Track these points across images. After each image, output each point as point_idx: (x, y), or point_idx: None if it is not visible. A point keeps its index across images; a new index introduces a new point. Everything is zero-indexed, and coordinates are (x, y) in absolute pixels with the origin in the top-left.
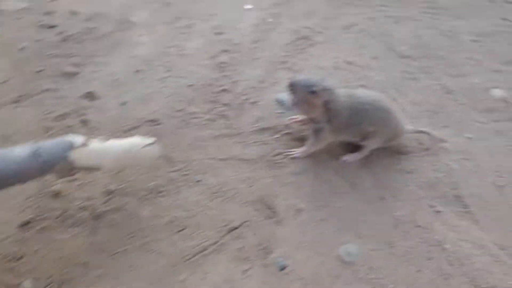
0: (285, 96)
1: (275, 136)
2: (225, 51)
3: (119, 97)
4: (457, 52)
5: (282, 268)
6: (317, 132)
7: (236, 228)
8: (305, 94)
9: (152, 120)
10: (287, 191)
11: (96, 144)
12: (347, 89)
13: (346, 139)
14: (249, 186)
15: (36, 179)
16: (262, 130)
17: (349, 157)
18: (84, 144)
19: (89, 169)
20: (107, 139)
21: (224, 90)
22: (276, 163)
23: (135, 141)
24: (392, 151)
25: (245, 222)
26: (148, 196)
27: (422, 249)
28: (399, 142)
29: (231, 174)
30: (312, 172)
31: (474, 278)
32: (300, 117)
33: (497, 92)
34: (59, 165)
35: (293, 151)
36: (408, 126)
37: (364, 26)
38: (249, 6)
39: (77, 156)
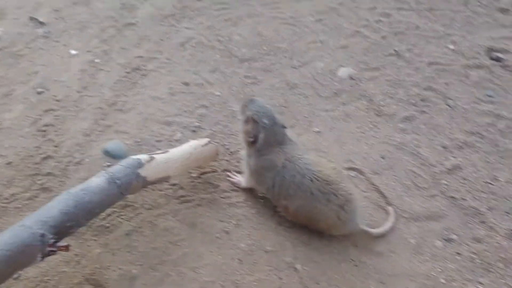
0: (114, 144)
1: None
2: (49, 110)
3: None
4: (300, 39)
5: None
6: (246, 160)
7: None
8: (242, 113)
9: None
10: (119, 258)
11: (160, 156)
12: (300, 147)
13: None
14: (74, 267)
15: (117, 202)
16: None
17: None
18: (151, 159)
19: (160, 180)
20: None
21: (46, 157)
22: (106, 227)
23: (193, 144)
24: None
25: None
26: None
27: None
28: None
29: (54, 256)
30: (148, 226)
31: None
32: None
33: (344, 71)
34: (134, 184)
35: (233, 175)
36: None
37: (200, 38)
38: (73, 52)
39: (148, 172)
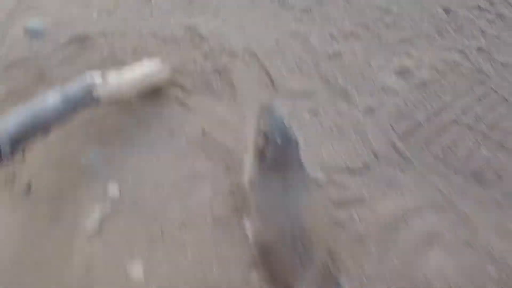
0: (35, 23)
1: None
2: None
3: None
4: None
5: (27, 192)
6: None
7: None
8: (257, 122)
9: None
10: None
11: (114, 77)
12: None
13: None
14: None
15: (70, 120)
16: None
17: None
18: (104, 79)
19: (113, 102)
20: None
21: None
22: (24, 96)
23: (147, 64)
24: None
25: None
26: None
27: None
28: None
29: None
30: None
31: None
32: None
33: None
34: (87, 103)
35: None
36: None
37: None
38: None
39: (101, 93)
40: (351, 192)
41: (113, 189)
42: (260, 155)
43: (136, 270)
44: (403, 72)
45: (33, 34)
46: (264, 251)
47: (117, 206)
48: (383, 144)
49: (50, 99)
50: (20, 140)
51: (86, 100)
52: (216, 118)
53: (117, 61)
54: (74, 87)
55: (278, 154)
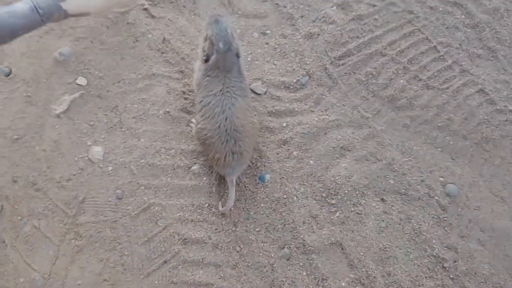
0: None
1: None
2: None
3: None
4: None
5: (7, 75)
6: (197, 66)
7: None
8: (205, 30)
9: None
10: None
11: None
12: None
13: None
14: None
15: (37, 29)
16: None
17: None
18: None
19: (80, 15)
20: None
21: None
22: None
23: None
24: None
25: None
26: None
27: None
28: None
29: None
30: None
31: None
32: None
33: None
34: (56, 15)
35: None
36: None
37: None
38: None
39: (69, 6)
40: (283, 104)
41: (81, 81)
42: (205, 59)
43: (96, 151)
44: (344, 5)
45: None
46: (203, 143)
47: (84, 96)
48: (317, 67)
49: (20, 6)
50: None
51: (53, 11)
52: (177, 28)
53: None
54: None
55: (219, 58)
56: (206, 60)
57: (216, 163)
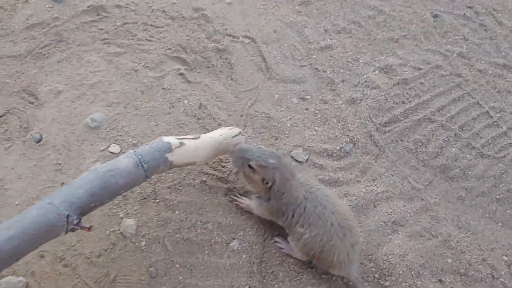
0: None
1: None
2: None
3: None
4: None
5: (38, 141)
6: (258, 201)
7: (1, 116)
8: (242, 166)
9: None
10: (50, 78)
11: (191, 142)
12: (311, 178)
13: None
14: (15, 80)
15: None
16: (33, 25)
17: (280, 242)
18: (181, 144)
19: (185, 165)
20: (198, 134)
21: None
22: (43, 54)
23: (224, 132)
24: None
25: (9, 110)
26: None
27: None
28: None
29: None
30: (76, 58)
31: None
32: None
33: None
34: (161, 168)
35: (241, 199)
36: (354, 273)
37: None
38: None
39: (175, 157)
40: (327, 173)
41: (114, 149)
42: (270, 185)
43: (128, 224)
44: (387, 69)
45: None
46: (321, 252)
47: None
48: (361, 133)
49: (123, 161)
50: (87, 211)
51: (159, 164)
52: (213, 94)
53: (128, 33)
54: (149, 149)
55: (282, 171)
56: (271, 186)
57: (339, 266)
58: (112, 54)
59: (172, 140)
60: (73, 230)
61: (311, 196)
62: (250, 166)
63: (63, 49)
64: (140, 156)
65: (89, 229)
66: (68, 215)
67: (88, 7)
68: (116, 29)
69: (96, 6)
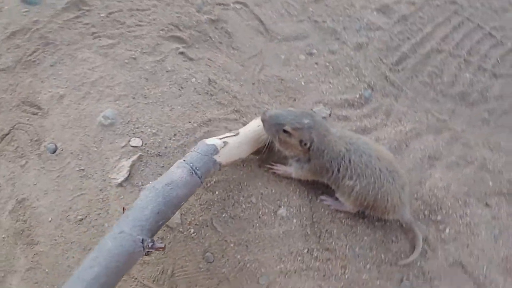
0: None
1: None
2: None
3: None
4: None
5: (54, 151)
6: (298, 165)
7: (7, 134)
8: (276, 133)
9: None
10: (47, 84)
11: (233, 140)
12: (345, 130)
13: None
14: (11, 93)
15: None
16: (13, 34)
17: (327, 200)
18: (224, 144)
19: (233, 163)
20: (236, 130)
21: None
22: (33, 61)
23: (260, 122)
24: None
25: (14, 126)
26: None
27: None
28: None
29: None
30: (68, 58)
31: None
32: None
33: None
34: (212, 171)
35: (277, 167)
36: (407, 214)
37: None
38: None
39: (222, 158)
40: (353, 123)
41: (135, 142)
42: (308, 146)
43: None
44: (384, 9)
45: (30, 1)
46: (374, 201)
47: (142, 157)
48: (376, 77)
49: (177, 172)
50: (156, 230)
51: (210, 168)
52: (219, 67)
53: (116, 22)
54: (197, 155)
55: (318, 129)
56: (310, 146)
57: (393, 210)
58: (105, 46)
59: (215, 141)
60: (148, 253)
61: (353, 147)
62: (285, 131)
63: (52, 52)
64: (191, 164)
65: (164, 248)
66: (142, 240)
67: (67, 3)
68: (102, 20)
69: (76, 1)
